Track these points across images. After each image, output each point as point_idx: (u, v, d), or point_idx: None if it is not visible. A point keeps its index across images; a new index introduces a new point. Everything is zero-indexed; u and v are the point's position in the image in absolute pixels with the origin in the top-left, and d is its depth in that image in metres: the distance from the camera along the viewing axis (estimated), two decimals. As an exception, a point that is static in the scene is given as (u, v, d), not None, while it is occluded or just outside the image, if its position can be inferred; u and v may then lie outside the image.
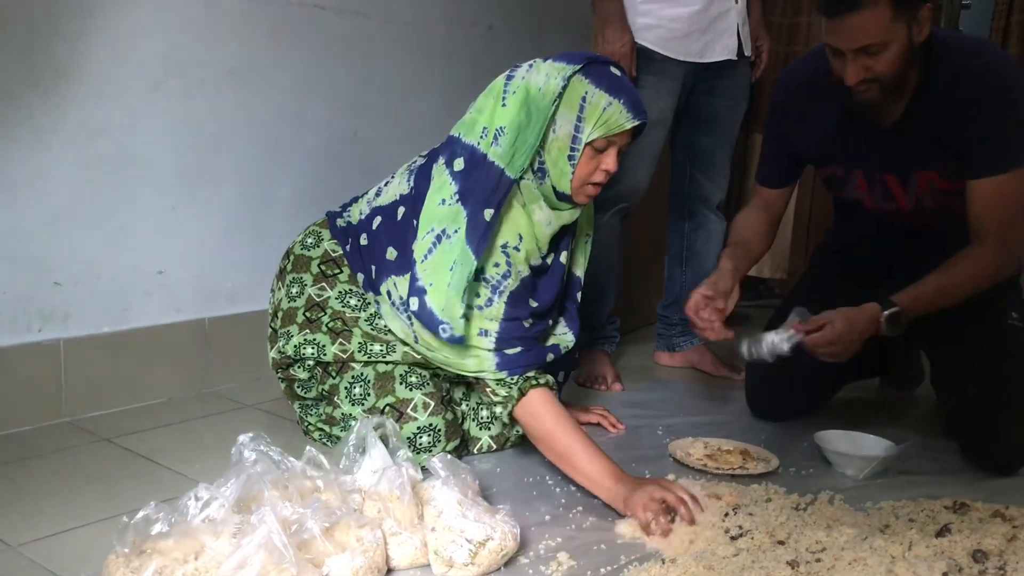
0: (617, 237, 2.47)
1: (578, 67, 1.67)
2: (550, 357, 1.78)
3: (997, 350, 1.91)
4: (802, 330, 1.79)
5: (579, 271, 1.98)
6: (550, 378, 1.72)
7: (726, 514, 1.56)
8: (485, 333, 1.70)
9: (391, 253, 1.76)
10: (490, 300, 1.69)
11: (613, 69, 1.71)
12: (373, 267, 1.80)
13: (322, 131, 2.42)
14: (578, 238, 1.95)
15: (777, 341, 1.81)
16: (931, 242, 1.90)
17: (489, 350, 1.69)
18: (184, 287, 2.18)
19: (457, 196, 1.69)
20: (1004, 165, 1.78)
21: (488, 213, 1.66)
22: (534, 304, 1.78)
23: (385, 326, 1.81)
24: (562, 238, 1.85)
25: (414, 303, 1.68)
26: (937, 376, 2.06)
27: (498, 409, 1.71)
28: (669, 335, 2.71)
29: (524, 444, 1.93)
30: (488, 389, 1.71)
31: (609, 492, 1.57)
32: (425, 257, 1.69)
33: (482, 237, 1.66)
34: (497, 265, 1.70)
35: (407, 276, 1.72)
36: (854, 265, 1.92)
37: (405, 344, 1.79)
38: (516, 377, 1.69)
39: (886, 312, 1.78)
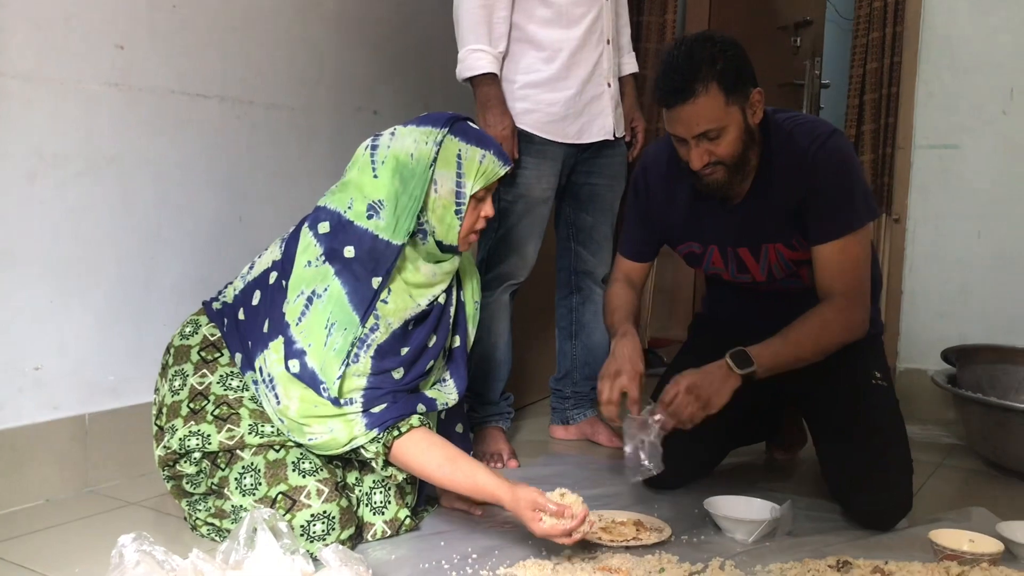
0: (506, 313, 2.52)
1: (445, 129, 1.79)
2: (421, 408, 1.82)
3: (864, 410, 2.01)
4: (662, 411, 1.86)
5: (469, 335, 2.03)
6: (415, 418, 1.76)
7: (620, 587, 1.58)
8: (351, 402, 1.73)
9: (266, 325, 1.78)
10: (356, 356, 1.74)
11: (471, 124, 1.85)
12: (250, 342, 1.81)
13: (206, 217, 2.39)
14: (467, 302, 2.01)
15: (651, 442, 1.87)
16: (793, 308, 1.98)
17: (357, 412, 1.73)
18: (62, 383, 2.10)
19: (323, 257, 1.75)
20: (842, 230, 1.91)
21: (376, 281, 1.74)
22: (405, 350, 1.82)
23: None
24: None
25: (294, 365, 1.71)
26: (814, 438, 2.15)
27: (374, 464, 1.77)
28: (563, 408, 2.74)
29: (419, 528, 1.92)
30: (361, 448, 1.75)
31: (499, 501, 1.70)
32: (299, 320, 1.73)
33: (370, 304, 1.73)
34: (366, 320, 1.75)
35: (280, 340, 1.74)
36: (726, 333, 2.00)
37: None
38: (383, 432, 1.73)
39: (729, 352, 1.87)
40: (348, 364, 1.72)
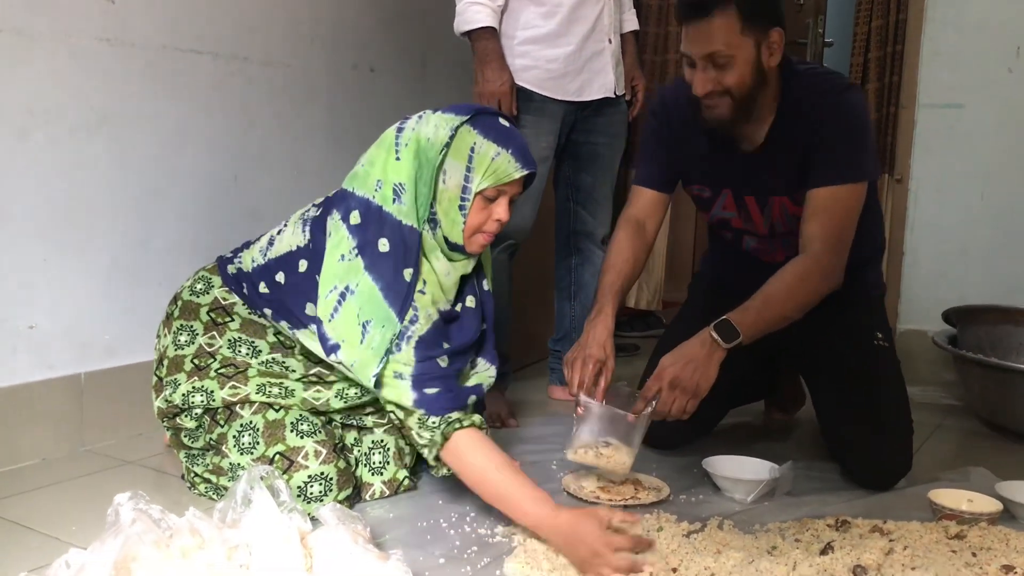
0: (506, 273, 2.49)
1: (466, 118, 1.70)
2: (472, 399, 1.77)
3: (866, 371, 2.00)
4: (648, 401, 1.78)
5: (488, 307, 1.98)
6: (477, 417, 1.67)
7: (618, 546, 1.57)
8: (400, 376, 1.67)
9: (310, 309, 1.73)
10: (399, 346, 1.67)
11: (502, 120, 1.75)
12: (285, 323, 1.78)
13: (201, 176, 2.36)
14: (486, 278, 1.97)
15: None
16: None
17: (407, 385, 1.66)
18: (57, 342, 2.09)
19: (356, 250, 1.69)
20: (839, 177, 1.87)
21: (408, 273, 1.68)
22: (447, 346, 1.77)
23: (283, 366, 1.80)
24: (466, 284, 1.86)
25: (332, 358, 1.68)
26: (814, 398, 2.14)
27: (424, 452, 1.68)
28: (561, 369, 2.73)
29: (417, 488, 1.91)
30: (412, 432, 1.68)
31: (550, 533, 1.54)
32: (332, 317, 1.67)
33: (405, 299, 1.66)
34: (404, 315, 1.69)
35: (314, 330, 1.71)
36: (725, 295, 1.96)
37: (305, 389, 1.78)
38: (438, 419, 1.65)
39: (713, 324, 1.79)
40: (387, 362, 1.66)
